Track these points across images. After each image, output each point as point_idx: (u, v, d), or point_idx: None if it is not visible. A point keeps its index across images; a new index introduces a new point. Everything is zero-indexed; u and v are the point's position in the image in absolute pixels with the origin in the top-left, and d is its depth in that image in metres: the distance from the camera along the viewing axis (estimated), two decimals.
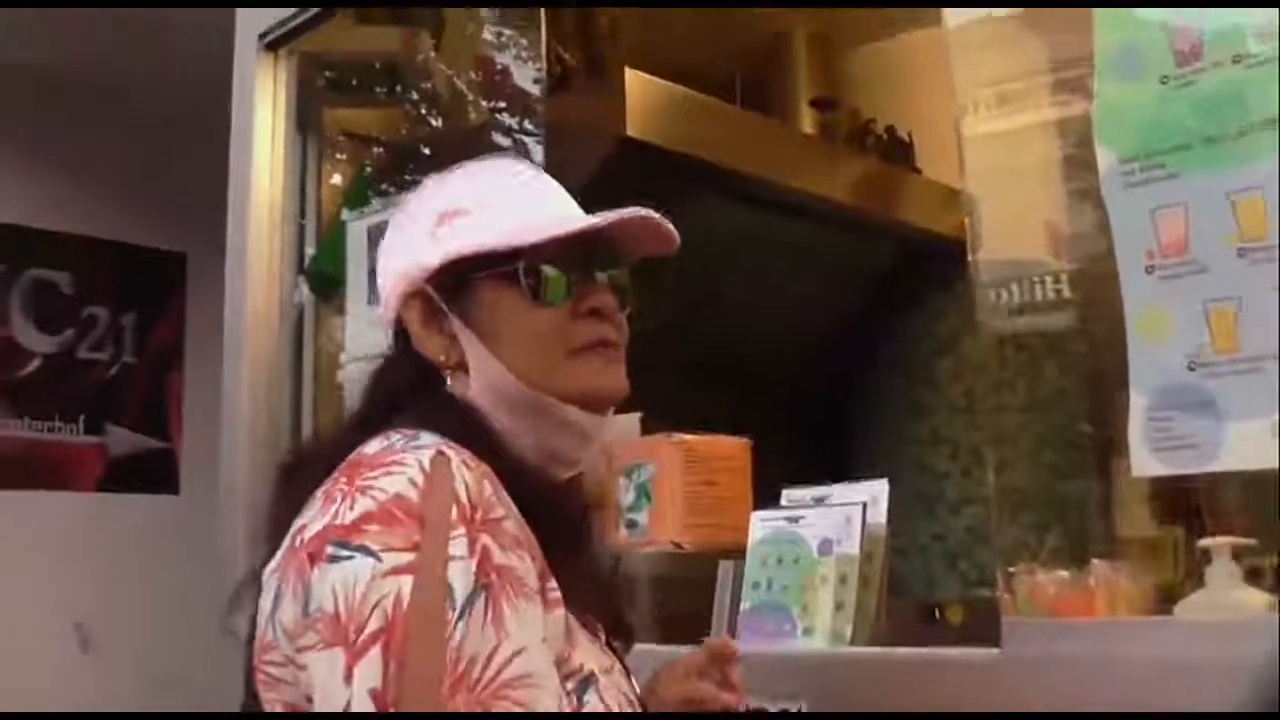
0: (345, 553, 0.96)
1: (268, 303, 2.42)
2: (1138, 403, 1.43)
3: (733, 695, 1.29)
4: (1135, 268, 1.43)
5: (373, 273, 2.30)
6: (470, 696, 0.92)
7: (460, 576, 0.95)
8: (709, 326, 3.02)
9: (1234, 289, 1.34)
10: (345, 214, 2.38)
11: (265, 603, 1.03)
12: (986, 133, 1.67)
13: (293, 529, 1.04)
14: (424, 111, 2.69)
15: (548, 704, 0.96)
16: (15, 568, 4.21)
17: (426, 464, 0.99)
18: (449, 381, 1.16)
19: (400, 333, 1.19)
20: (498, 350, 1.14)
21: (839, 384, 3.49)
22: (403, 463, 1.00)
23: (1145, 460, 1.41)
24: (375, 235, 2.28)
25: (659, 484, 2.05)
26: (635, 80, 2.61)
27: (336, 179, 2.67)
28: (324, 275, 2.43)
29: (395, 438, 1.05)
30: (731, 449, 2.12)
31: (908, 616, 2.65)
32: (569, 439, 1.17)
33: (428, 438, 1.04)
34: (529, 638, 0.97)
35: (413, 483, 0.98)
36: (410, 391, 1.16)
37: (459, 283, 1.15)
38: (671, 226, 1.19)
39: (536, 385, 1.14)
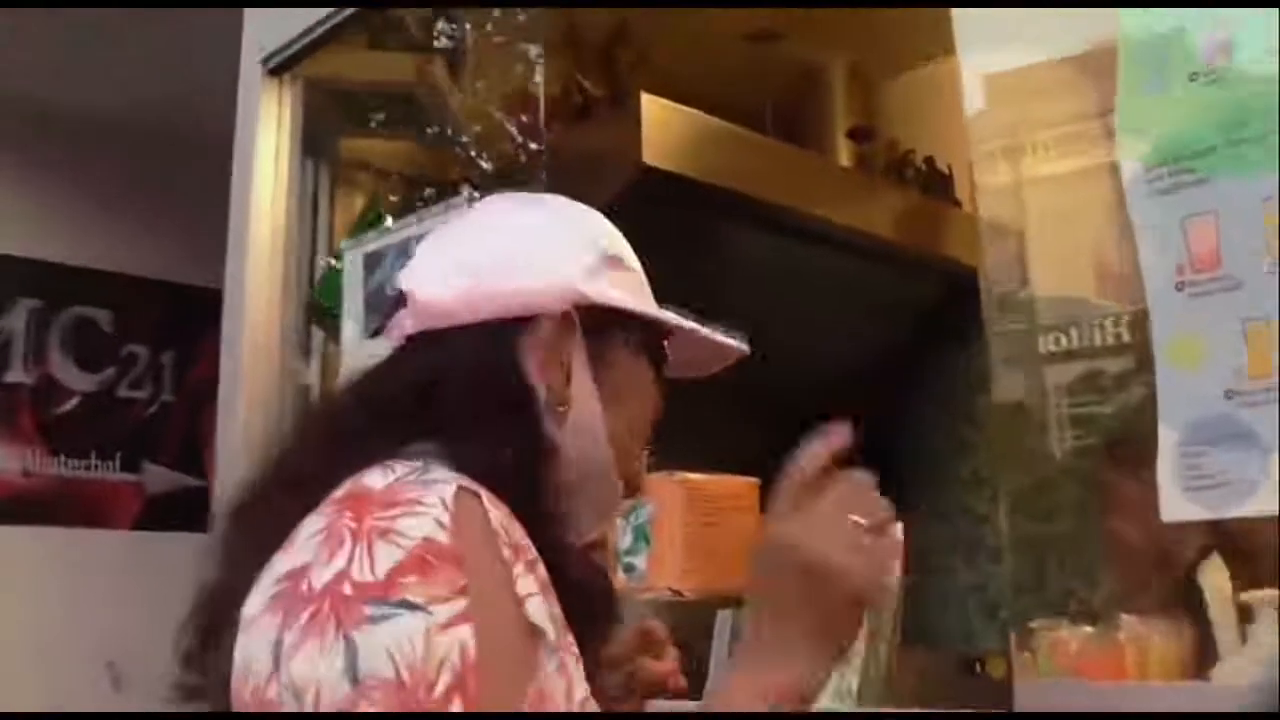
0: (386, 610, 0.84)
1: (267, 337, 2.30)
2: (1167, 438, 1.25)
3: (665, 665, 1.22)
4: (1164, 285, 1.26)
5: (369, 301, 2.22)
6: None
7: (543, 614, 0.88)
8: (739, 362, 2.86)
9: (1273, 306, 1.16)
10: (344, 243, 2.26)
11: (258, 653, 0.89)
12: (1041, 176, 1.55)
13: (284, 566, 0.91)
14: (463, 151, 2.57)
15: None
16: (52, 605, 4.14)
17: (450, 501, 0.88)
18: (544, 420, 1.03)
19: (497, 336, 1.04)
20: (605, 409, 1.06)
21: (876, 423, 3.30)
22: (423, 501, 0.88)
23: (1176, 502, 1.23)
24: (372, 263, 2.16)
25: (658, 525, 1.89)
26: (652, 106, 2.46)
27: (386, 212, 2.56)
28: (319, 307, 2.31)
29: (399, 469, 0.93)
30: (738, 488, 1.95)
31: (946, 669, 2.46)
32: (597, 516, 1.09)
33: (439, 471, 0.92)
34: (584, 681, 0.91)
35: (440, 524, 0.87)
36: (487, 409, 1.01)
37: (596, 328, 1.07)
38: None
39: (616, 457, 1.07)
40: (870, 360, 3.17)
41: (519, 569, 0.88)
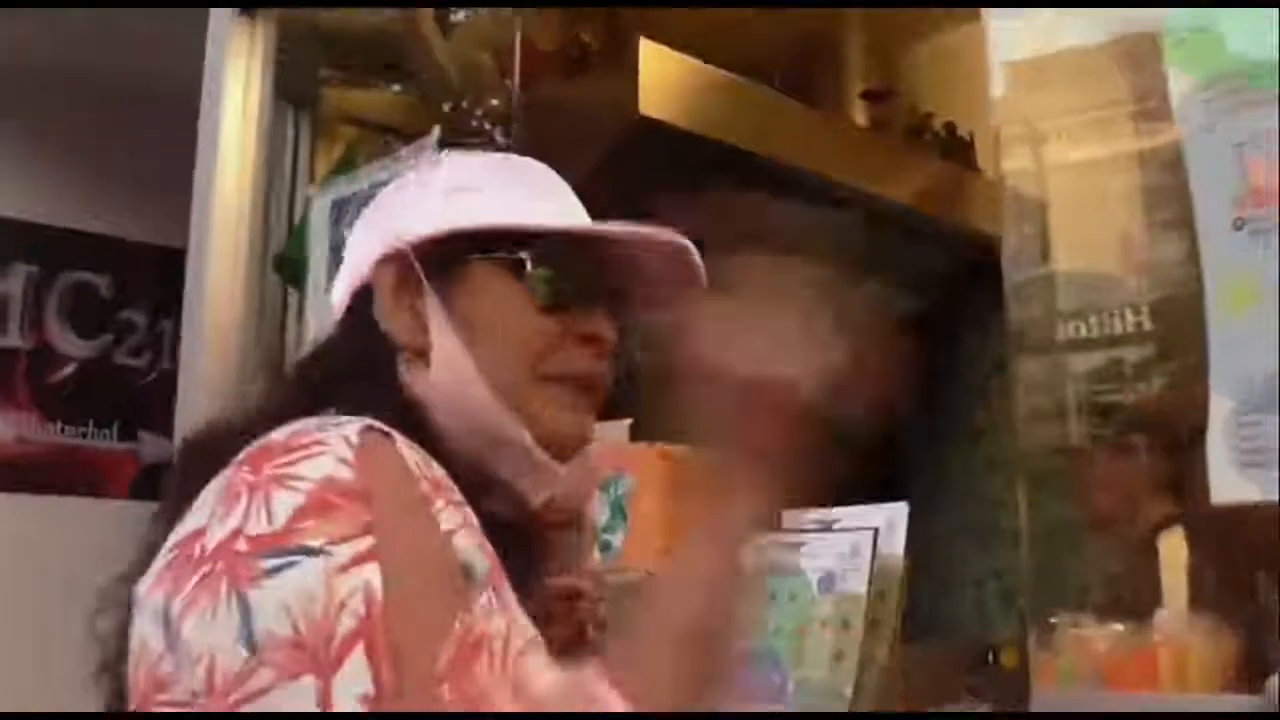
0: (282, 560, 0.76)
1: (232, 296, 2.09)
2: (1220, 405, 1.03)
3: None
4: (1219, 223, 1.04)
5: (336, 250, 2.02)
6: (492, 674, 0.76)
7: (474, 549, 0.80)
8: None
9: None
10: (310, 190, 2.06)
11: (150, 629, 0.81)
12: (1065, 163, 1.44)
13: (180, 533, 0.83)
14: (447, 100, 2.37)
15: None
16: (45, 574, 3.97)
17: (354, 438, 0.81)
18: (404, 371, 0.96)
19: (355, 308, 1.00)
20: (472, 347, 0.95)
21: (888, 400, 3.08)
22: (324, 442, 0.81)
23: (1229, 480, 1.01)
24: (339, 210, 1.96)
25: (637, 500, 1.68)
26: (651, 53, 2.24)
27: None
28: (289, 260, 2.10)
29: (310, 421, 0.86)
30: None
31: (958, 660, 2.28)
32: (521, 473, 0.96)
33: (353, 417, 0.85)
34: (529, 625, 0.82)
35: (343, 461, 0.79)
36: (348, 378, 0.96)
37: (448, 262, 0.97)
38: (703, 275, 1.00)
39: (503, 399, 0.96)
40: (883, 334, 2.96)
41: (439, 504, 0.80)
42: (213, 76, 2.13)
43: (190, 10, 3.34)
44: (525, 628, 0.81)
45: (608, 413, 1.07)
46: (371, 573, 0.75)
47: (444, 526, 0.80)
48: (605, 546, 1.70)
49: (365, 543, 0.76)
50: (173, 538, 0.84)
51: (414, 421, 0.91)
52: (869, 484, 2.54)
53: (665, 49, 2.27)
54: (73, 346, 4.22)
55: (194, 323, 2.06)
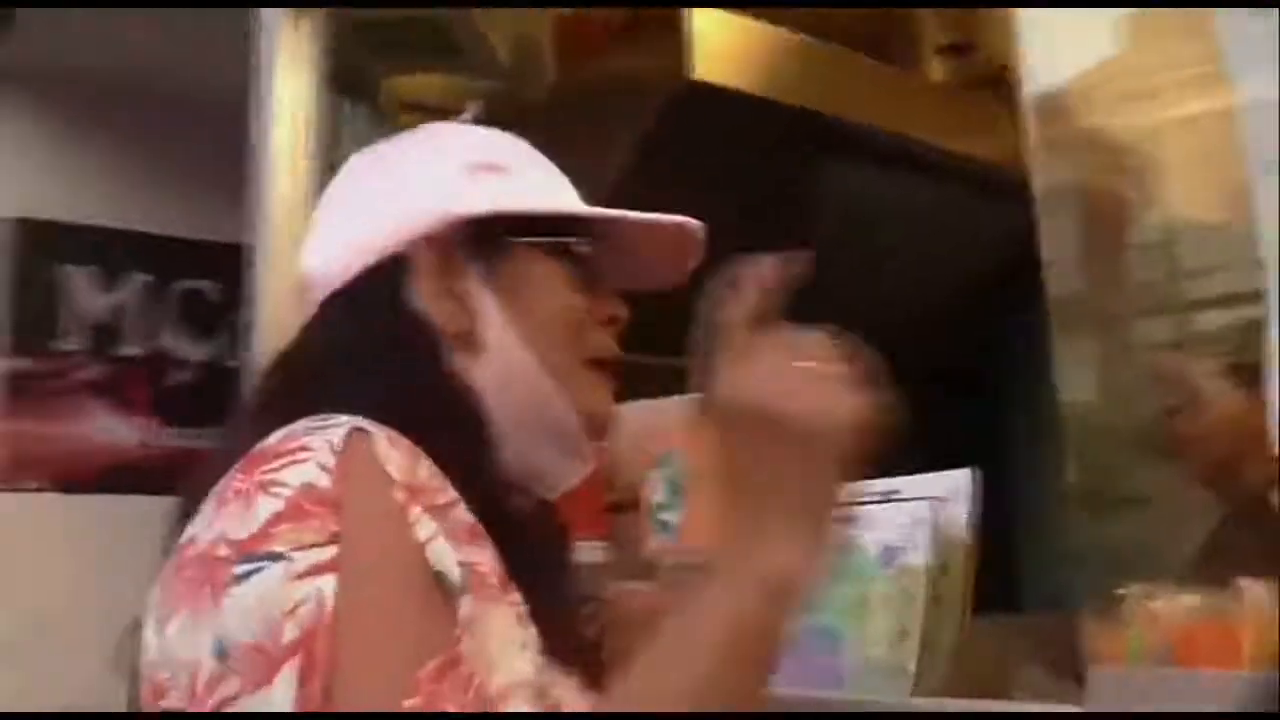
0: (252, 566, 0.76)
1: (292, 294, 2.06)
2: None
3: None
4: (1271, 141, 0.90)
5: None
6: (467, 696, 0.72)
7: (449, 559, 0.76)
8: (808, 304, 2.51)
9: None
10: None
11: (149, 634, 0.83)
12: (1176, 117, 1.35)
13: (182, 538, 0.84)
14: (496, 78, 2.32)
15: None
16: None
17: (338, 443, 0.79)
18: (449, 358, 0.93)
19: (372, 288, 0.95)
20: (515, 329, 0.95)
21: (974, 370, 2.91)
22: (309, 447, 0.80)
23: None
24: None
25: (694, 477, 1.59)
26: (701, 14, 2.13)
27: None
28: None
29: (301, 424, 0.83)
30: None
31: (1056, 634, 2.14)
32: (562, 456, 0.97)
33: (344, 418, 0.82)
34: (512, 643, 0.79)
35: (322, 467, 0.78)
36: (377, 368, 0.90)
37: (487, 245, 0.96)
38: (701, 251, 1.02)
39: (555, 382, 0.96)
40: (965, 300, 2.79)
41: (416, 512, 0.77)
42: (262, 75, 2.10)
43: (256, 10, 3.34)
44: (521, 666, 0.77)
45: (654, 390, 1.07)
46: (326, 583, 0.74)
47: (420, 536, 0.76)
48: (664, 526, 1.61)
49: (327, 552, 0.75)
50: (178, 543, 0.84)
51: (463, 410, 0.90)
52: (961, 449, 2.42)
53: (717, 12, 2.16)
54: (188, 351, 4.30)
55: (256, 321, 2.04)
